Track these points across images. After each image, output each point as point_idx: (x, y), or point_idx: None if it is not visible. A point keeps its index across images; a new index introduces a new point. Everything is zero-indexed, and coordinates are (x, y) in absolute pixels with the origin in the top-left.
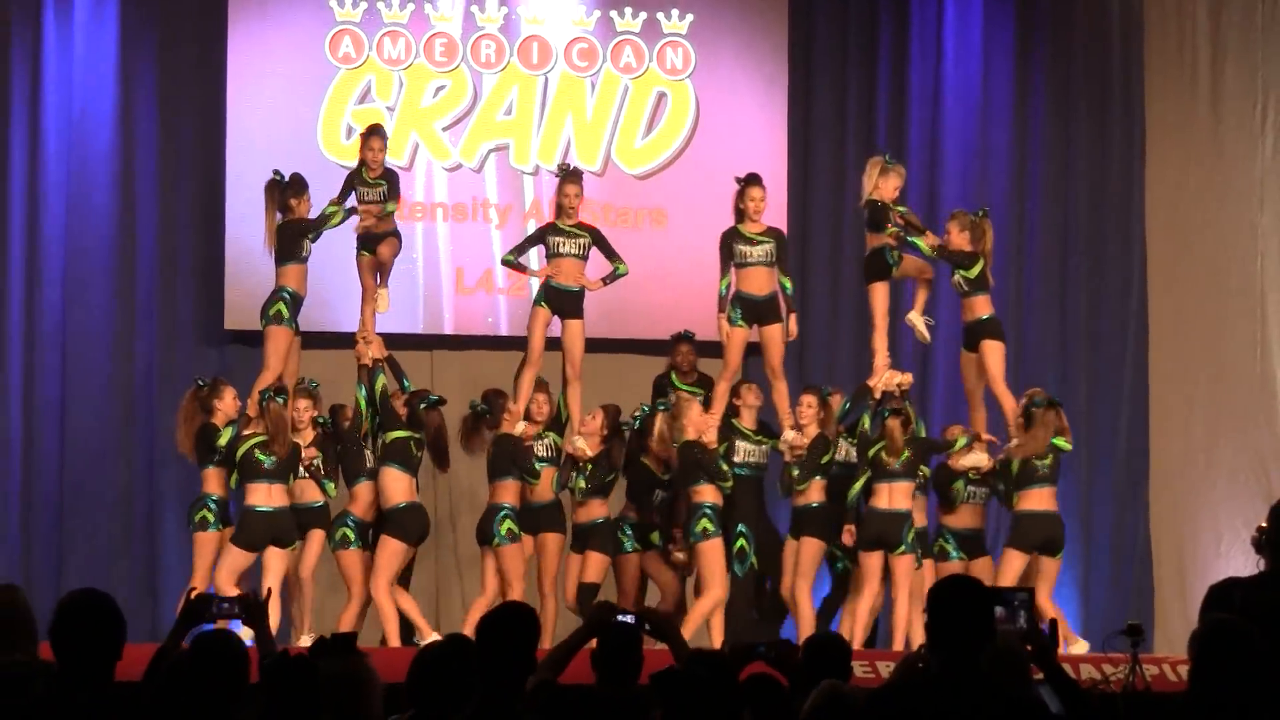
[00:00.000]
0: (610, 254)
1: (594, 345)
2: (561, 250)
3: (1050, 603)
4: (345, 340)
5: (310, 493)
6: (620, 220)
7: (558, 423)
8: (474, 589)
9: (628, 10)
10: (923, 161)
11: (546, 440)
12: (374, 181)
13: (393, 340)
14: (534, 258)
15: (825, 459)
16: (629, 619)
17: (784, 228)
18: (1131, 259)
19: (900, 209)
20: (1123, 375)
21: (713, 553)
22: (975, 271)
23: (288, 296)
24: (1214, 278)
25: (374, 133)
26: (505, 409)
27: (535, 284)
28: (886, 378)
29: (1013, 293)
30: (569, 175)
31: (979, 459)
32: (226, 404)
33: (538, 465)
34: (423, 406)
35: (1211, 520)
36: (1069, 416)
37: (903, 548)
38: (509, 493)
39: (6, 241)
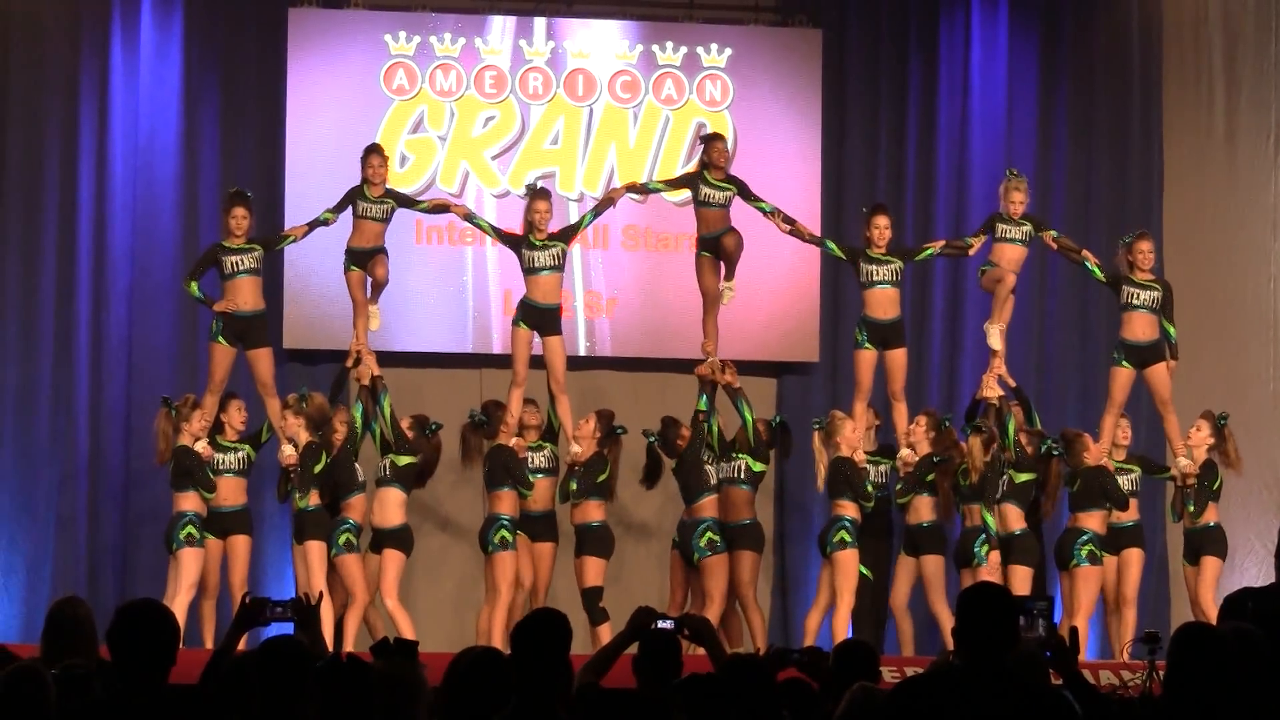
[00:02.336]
0: (574, 230)
1: (636, 365)
2: (536, 265)
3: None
4: (395, 359)
5: (234, 496)
6: (661, 245)
7: (552, 433)
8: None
9: (669, 45)
10: (950, 189)
11: (545, 451)
12: (377, 200)
13: (443, 359)
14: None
15: (929, 477)
16: (668, 624)
17: (817, 250)
18: None
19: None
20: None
21: (848, 563)
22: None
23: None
24: (1229, 301)
25: (372, 151)
26: (503, 420)
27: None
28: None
29: (1037, 313)
30: (538, 193)
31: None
32: (194, 426)
33: (534, 476)
34: (428, 433)
35: (1227, 534)
36: (1091, 432)
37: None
38: (505, 503)
39: (75, 260)
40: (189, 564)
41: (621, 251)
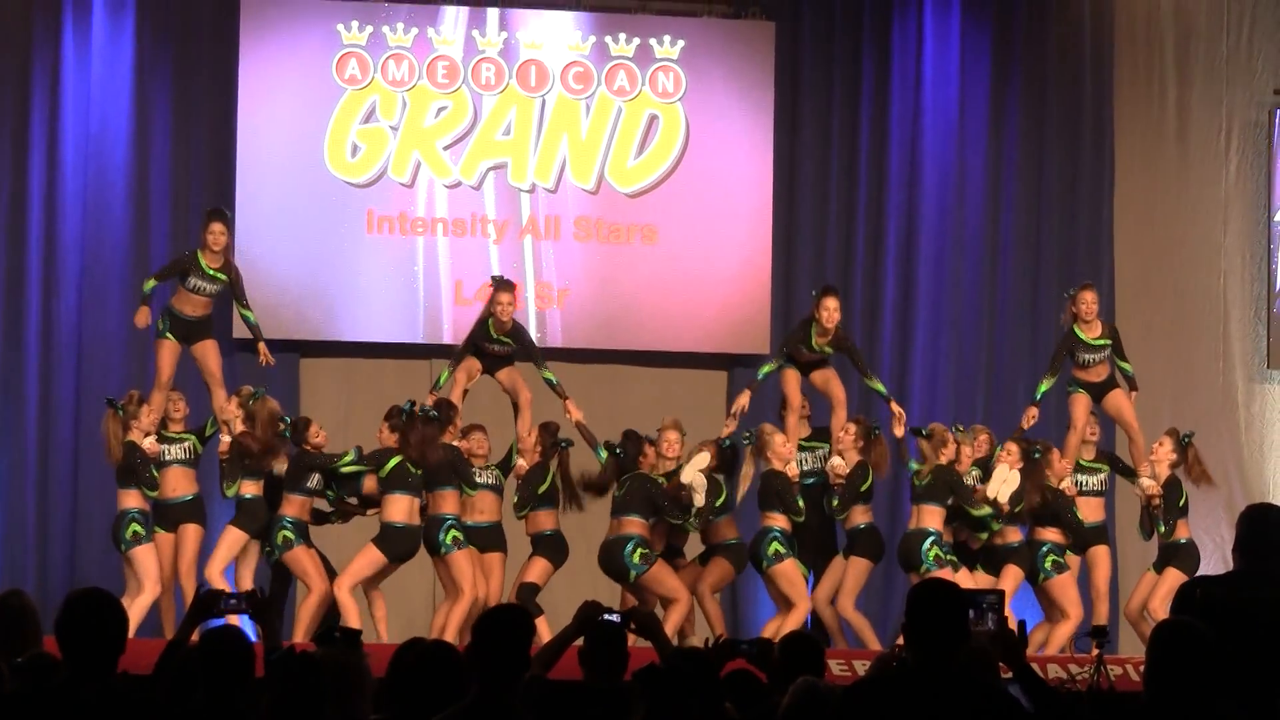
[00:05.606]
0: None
1: (589, 356)
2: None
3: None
4: (345, 349)
5: (183, 487)
6: (613, 236)
7: (507, 463)
8: None
9: (621, 36)
10: (902, 183)
11: (492, 471)
12: (212, 273)
13: (393, 349)
14: None
15: (864, 487)
16: (614, 618)
17: (769, 243)
18: (1101, 275)
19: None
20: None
21: (789, 572)
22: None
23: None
24: (1180, 295)
25: (212, 216)
26: (454, 421)
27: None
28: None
29: (987, 307)
30: (503, 284)
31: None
32: (143, 422)
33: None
34: (404, 418)
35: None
36: (1041, 426)
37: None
38: (449, 503)
39: (25, 248)
40: (144, 562)
41: (573, 243)
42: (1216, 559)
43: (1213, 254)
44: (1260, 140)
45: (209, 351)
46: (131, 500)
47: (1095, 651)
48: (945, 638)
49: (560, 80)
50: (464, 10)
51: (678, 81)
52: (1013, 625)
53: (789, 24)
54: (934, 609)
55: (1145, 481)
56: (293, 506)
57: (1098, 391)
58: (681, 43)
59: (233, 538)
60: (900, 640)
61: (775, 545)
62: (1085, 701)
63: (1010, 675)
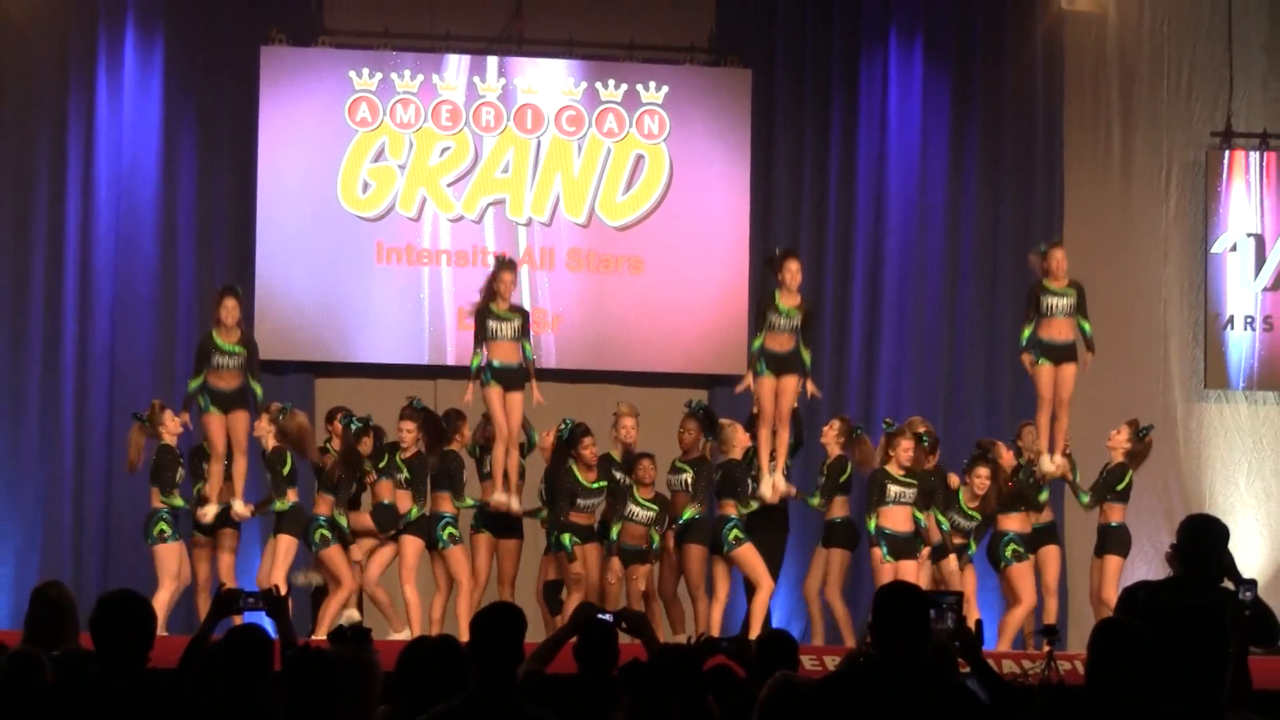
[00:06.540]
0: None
1: (581, 376)
2: (498, 335)
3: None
4: (357, 370)
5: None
6: (603, 266)
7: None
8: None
9: (611, 82)
10: (868, 217)
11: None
12: (230, 348)
13: (400, 370)
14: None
15: (844, 478)
16: (607, 617)
17: (746, 272)
18: None
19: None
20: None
21: (748, 556)
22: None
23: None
24: (1124, 322)
25: (224, 293)
26: (459, 430)
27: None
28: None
29: (947, 331)
30: (505, 264)
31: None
32: (170, 425)
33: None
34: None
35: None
36: (997, 418)
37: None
38: (446, 503)
39: (62, 276)
40: (165, 558)
41: (566, 272)
42: (1158, 563)
43: (1154, 284)
44: (1198, 179)
45: (239, 423)
46: (160, 499)
47: (1046, 648)
48: (908, 636)
49: (554, 123)
50: (466, 58)
51: (662, 124)
52: (971, 624)
53: (764, 71)
54: (898, 609)
55: (1045, 464)
56: (326, 505)
57: (1058, 355)
58: (666, 88)
59: (285, 545)
60: (868, 638)
61: (735, 532)
62: (1037, 694)
63: (968, 670)
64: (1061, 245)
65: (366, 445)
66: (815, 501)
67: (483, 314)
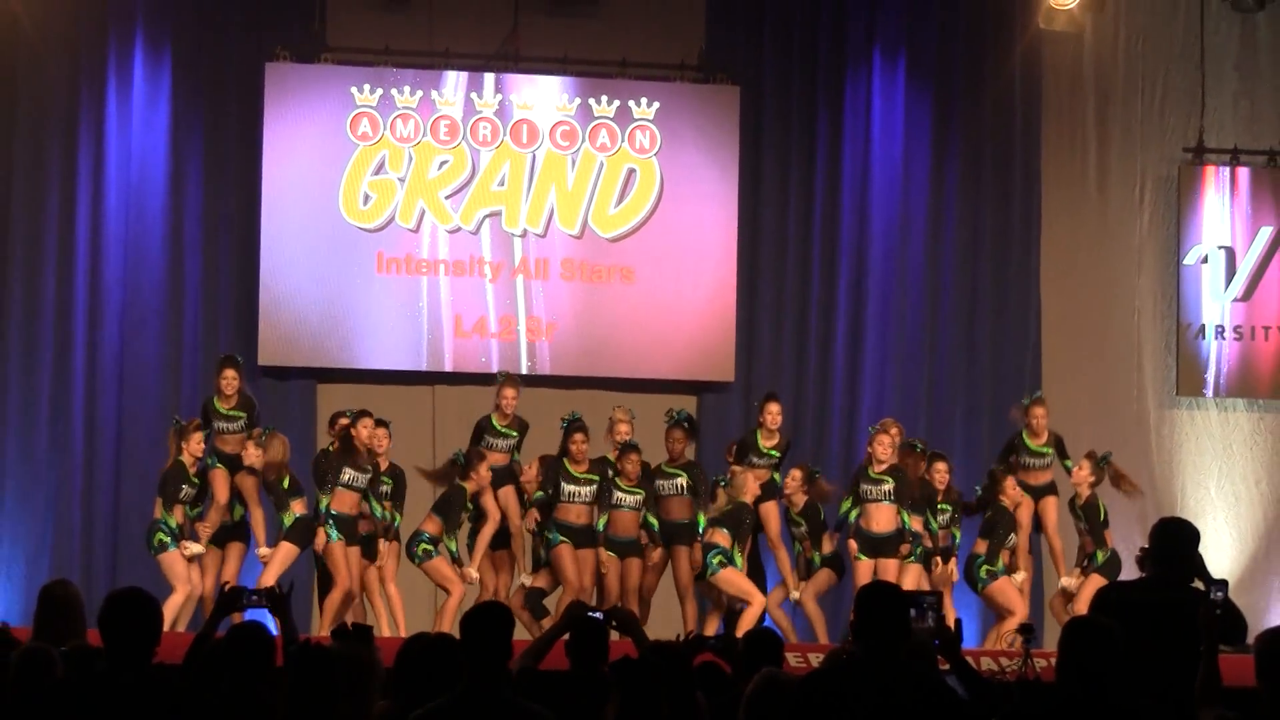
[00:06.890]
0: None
1: (574, 382)
2: (497, 447)
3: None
4: (358, 376)
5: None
6: (595, 276)
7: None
8: None
9: (604, 98)
10: (853, 228)
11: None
12: (230, 413)
13: (400, 376)
14: None
15: (820, 518)
16: (598, 616)
17: (734, 282)
18: (1028, 313)
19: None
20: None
21: (730, 577)
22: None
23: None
24: (1099, 331)
25: (224, 364)
26: (476, 469)
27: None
28: None
29: (928, 340)
30: (509, 380)
31: None
32: (193, 446)
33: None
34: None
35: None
36: (975, 447)
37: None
38: (434, 525)
39: (73, 285)
40: (172, 566)
41: (560, 282)
42: (1130, 565)
43: (1128, 294)
44: (1170, 194)
45: (247, 484)
46: (162, 510)
47: (1018, 643)
48: (890, 633)
49: (549, 137)
50: (464, 75)
51: (653, 139)
52: (950, 623)
53: (752, 88)
54: (880, 608)
55: (1065, 581)
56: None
57: (1036, 494)
58: (657, 104)
59: (285, 551)
60: (850, 635)
61: (719, 558)
62: (1014, 690)
63: (947, 667)
64: (1043, 403)
65: (380, 439)
66: (815, 557)
67: (482, 428)
